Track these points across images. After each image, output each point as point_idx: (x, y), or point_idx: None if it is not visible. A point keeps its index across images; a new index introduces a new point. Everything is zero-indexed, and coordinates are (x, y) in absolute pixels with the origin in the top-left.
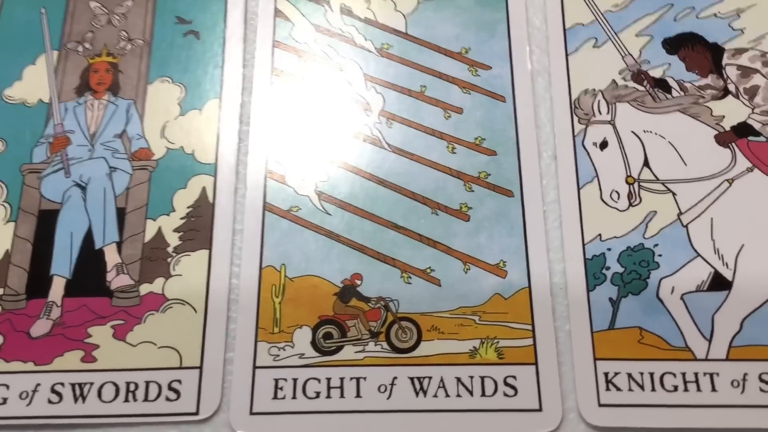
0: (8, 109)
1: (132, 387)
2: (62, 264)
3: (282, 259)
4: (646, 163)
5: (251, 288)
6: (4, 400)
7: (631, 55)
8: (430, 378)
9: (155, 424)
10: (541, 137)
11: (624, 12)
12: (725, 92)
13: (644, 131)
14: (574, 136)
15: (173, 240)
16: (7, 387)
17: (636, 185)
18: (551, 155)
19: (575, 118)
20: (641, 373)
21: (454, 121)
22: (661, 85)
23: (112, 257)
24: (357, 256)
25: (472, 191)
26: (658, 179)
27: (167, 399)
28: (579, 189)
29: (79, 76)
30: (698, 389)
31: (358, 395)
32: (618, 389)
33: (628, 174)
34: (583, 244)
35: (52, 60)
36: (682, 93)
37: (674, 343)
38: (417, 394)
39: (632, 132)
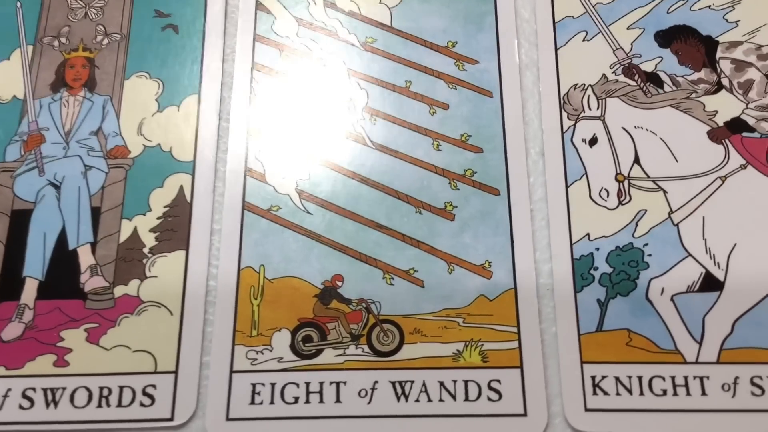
0: None
1: (105, 392)
2: (35, 265)
3: (261, 259)
4: (636, 160)
5: (229, 289)
6: None
7: (622, 48)
8: (412, 382)
9: (129, 430)
10: (529, 133)
11: (615, 4)
12: (719, 87)
13: (635, 127)
14: (562, 133)
15: (149, 240)
16: None
17: (626, 183)
18: (539, 152)
19: (564, 114)
20: (629, 377)
21: (440, 117)
22: (653, 79)
23: (86, 258)
24: (338, 257)
25: (458, 189)
26: (648, 177)
27: (141, 404)
28: (567, 187)
29: (54, 72)
30: (688, 393)
31: (338, 400)
32: (605, 393)
33: (618, 171)
34: (571, 244)
35: (27, 55)
36: (675, 87)
37: (663, 346)
38: (399, 398)
39: (623, 128)
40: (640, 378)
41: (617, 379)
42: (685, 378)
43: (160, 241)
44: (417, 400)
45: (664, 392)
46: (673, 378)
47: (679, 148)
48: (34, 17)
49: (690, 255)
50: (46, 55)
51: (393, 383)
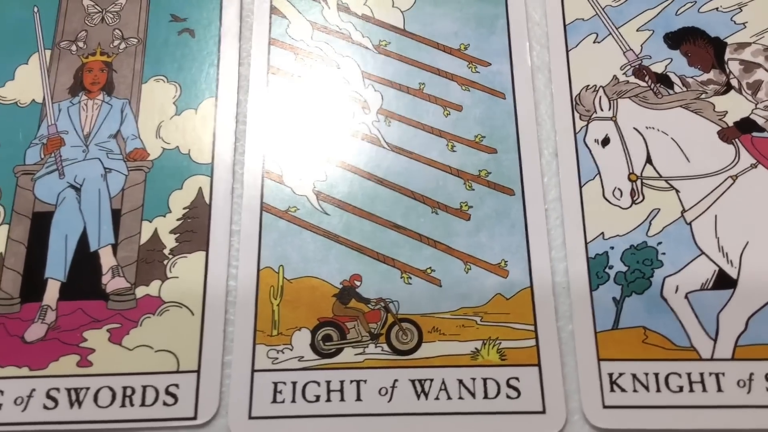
0: (1, 110)
1: (129, 392)
2: (57, 267)
3: (280, 260)
4: (648, 160)
5: (249, 290)
6: None
7: (632, 50)
8: (431, 380)
9: (153, 430)
10: (542, 134)
11: (624, 6)
12: (728, 87)
13: (646, 127)
14: (575, 133)
15: (169, 242)
16: (2, 393)
17: (639, 182)
18: (552, 153)
19: (576, 115)
20: (646, 374)
21: (454, 118)
22: (663, 80)
23: (107, 260)
24: (356, 257)
25: (473, 190)
26: (661, 176)
27: (165, 404)
28: (581, 187)
29: (72, 76)
30: (704, 389)
31: (358, 398)
32: (622, 390)
33: (631, 171)
34: (586, 243)
35: (45, 59)
36: (684, 88)
37: (679, 343)
38: (418, 396)
39: (634, 128)
40: (656, 375)
41: (634, 376)
42: (701, 374)
43: (180, 243)
44: (437, 398)
45: (681, 389)
46: (689, 374)
47: (691, 147)
48: (52, 22)
49: (703, 253)
50: (63, 60)
51: (412, 381)
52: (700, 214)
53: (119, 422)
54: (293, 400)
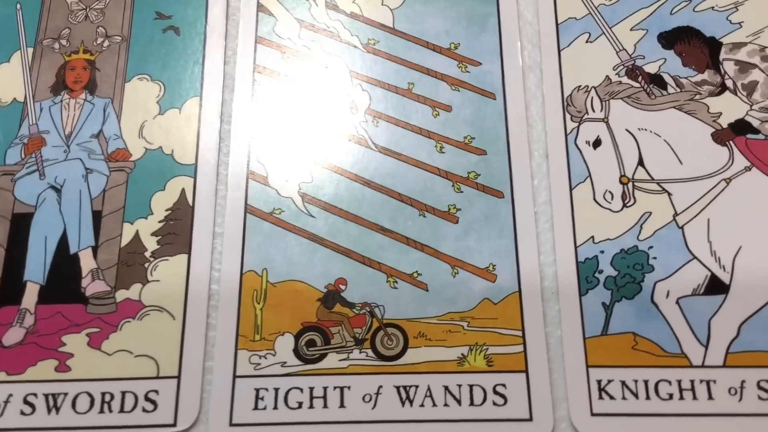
0: None
1: (107, 398)
2: (36, 270)
3: (264, 263)
4: (640, 162)
5: (231, 294)
6: None
7: (625, 50)
8: (416, 387)
9: None
10: (533, 136)
11: (618, 5)
12: (722, 88)
13: (639, 129)
14: (566, 135)
15: (151, 244)
16: None
17: (630, 185)
18: (543, 154)
19: (568, 116)
20: (635, 381)
21: (443, 119)
22: (657, 81)
23: (87, 262)
24: (341, 260)
25: (461, 192)
26: (653, 179)
27: (144, 410)
28: (571, 189)
29: (54, 74)
30: (694, 397)
31: (342, 405)
32: (611, 398)
33: (622, 173)
34: (576, 247)
35: (28, 57)
36: (678, 89)
37: (669, 350)
38: (403, 403)
39: (626, 130)
40: (646, 382)
41: (623, 383)
42: (692, 382)
43: (162, 245)
44: (422, 405)
45: (671, 396)
46: (679, 382)
47: (684, 149)
48: (34, 19)
49: (695, 258)
50: (46, 58)
51: (397, 388)
52: (692, 218)
53: (97, 429)
54: (275, 407)
